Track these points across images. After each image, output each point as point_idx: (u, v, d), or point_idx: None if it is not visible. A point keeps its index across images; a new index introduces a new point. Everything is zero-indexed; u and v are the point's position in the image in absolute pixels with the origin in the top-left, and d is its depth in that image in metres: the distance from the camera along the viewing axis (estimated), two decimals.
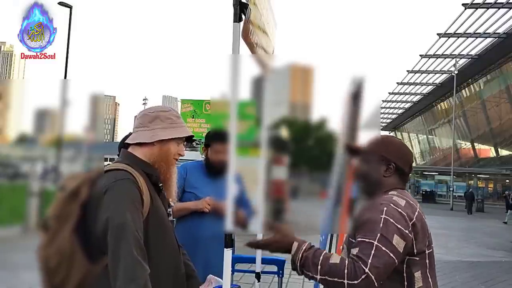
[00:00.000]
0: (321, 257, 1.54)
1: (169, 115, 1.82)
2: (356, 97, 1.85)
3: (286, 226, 1.68)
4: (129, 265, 1.50)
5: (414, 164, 1.90)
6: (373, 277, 1.47)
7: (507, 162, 38.53)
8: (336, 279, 1.49)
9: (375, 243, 1.52)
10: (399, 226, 1.57)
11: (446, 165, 40.06)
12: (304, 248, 1.58)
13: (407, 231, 1.57)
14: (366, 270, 1.47)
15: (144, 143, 1.77)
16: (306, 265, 1.55)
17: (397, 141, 1.88)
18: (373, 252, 1.51)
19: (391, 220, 1.57)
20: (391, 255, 1.52)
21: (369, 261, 1.49)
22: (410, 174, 1.86)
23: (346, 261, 1.52)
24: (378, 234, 1.54)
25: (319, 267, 1.52)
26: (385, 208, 1.60)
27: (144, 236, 1.61)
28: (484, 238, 13.79)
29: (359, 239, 1.57)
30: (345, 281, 1.47)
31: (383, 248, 1.52)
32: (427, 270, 1.65)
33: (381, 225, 1.56)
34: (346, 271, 1.48)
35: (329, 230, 2.22)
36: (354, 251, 1.55)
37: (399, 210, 1.60)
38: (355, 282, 1.46)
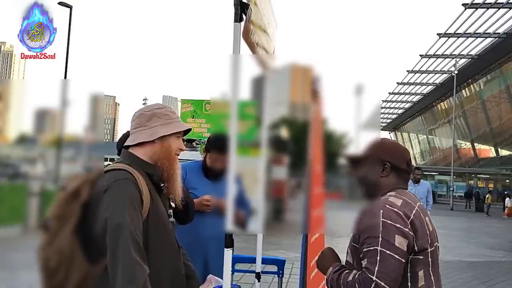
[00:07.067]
0: (342, 276, 1.65)
1: (166, 112, 1.82)
2: (315, 93, 1.92)
3: (332, 252, 1.84)
4: (128, 266, 1.50)
5: (414, 164, 1.91)
6: (382, 283, 1.51)
7: (507, 162, 38.50)
8: None
9: (379, 248, 1.55)
10: (398, 225, 1.58)
11: (446, 165, 40.05)
12: (333, 270, 1.71)
13: (407, 229, 1.59)
14: (374, 278, 1.51)
15: (145, 142, 1.77)
16: (333, 286, 1.68)
17: (389, 141, 1.91)
18: (378, 258, 1.54)
19: (389, 222, 1.58)
20: (397, 257, 1.54)
21: (376, 268, 1.53)
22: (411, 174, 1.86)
23: (356, 275, 1.59)
24: (380, 239, 1.56)
25: (341, 287, 1.63)
26: (381, 211, 1.61)
27: (144, 237, 1.61)
28: (484, 238, 13.79)
29: (364, 249, 1.60)
30: None
31: (388, 252, 1.54)
32: (430, 269, 1.66)
33: (380, 228, 1.58)
34: (357, 285, 1.55)
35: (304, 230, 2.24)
36: (364, 262, 1.59)
37: (395, 210, 1.62)
38: None
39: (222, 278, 1.97)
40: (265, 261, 2.94)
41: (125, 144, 1.83)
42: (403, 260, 1.56)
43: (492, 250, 11.13)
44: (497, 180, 40.36)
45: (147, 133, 1.77)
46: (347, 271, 1.67)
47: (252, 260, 2.86)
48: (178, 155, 1.85)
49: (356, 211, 1.70)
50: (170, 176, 1.81)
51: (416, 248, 1.61)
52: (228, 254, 1.80)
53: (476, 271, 8.20)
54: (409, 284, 1.61)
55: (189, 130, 1.89)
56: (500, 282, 7.31)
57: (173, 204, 1.96)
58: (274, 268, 3.23)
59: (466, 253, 10.33)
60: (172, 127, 1.80)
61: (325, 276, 1.75)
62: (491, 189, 36.27)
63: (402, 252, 1.55)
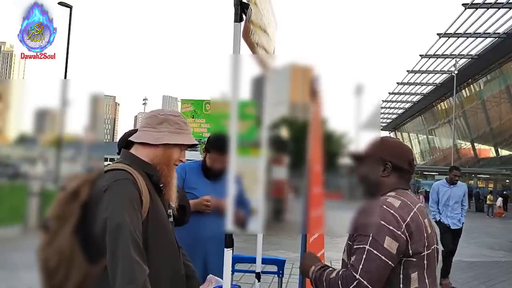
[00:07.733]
0: (325, 275, 1.66)
1: (178, 120, 1.82)
2: (314, 93, 1.92)
3: (313, 255, 1.90)
4: (128, 266, 1.50)
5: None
6: (365, 282, 1.51)
7: (507, 162, 38.48)
8: None
9: (367, 247, 1.56)
10: (390, 227, 1.57)
11: (446, 165, 39.97)
12: (316, 269, 1.73)
13: (399, 232, 1.57)
14: (357, 276, 1.52)
15: (149, 144, 1.77)
16: (316, 285, 1.70)
17: (392, 140, 1.87)
18: (364, 257, 1.55)
19: (382, 222, 1.58)
20: (383, 258, 1.54)
21: (360, 266, 1.54)
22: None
23: (340, 272, 1.61)
24: (370, 238, 1.56)
25: (324, 283, 1.65)
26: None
27: (143, 237, 1.61)
28: (484, 238, 13.78)
29: (355, 246, 1.61)
30: None
31: (374, 252, 1.54)
32: (425, 271, 1.64)
33: (373, 228, 1.58)
34: (340, 282, 1.57)
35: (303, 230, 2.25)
36: (352, 259, 1.60)
37: (391, 211, 1.61)
38: None
39: (222, 278, 1.97)
40: (265, 261, 2.94)
41: (130, 139, 1.83)
42: (389, 262, 1.55)
43: (492, 250, 11.12)
44: (497, 180, 40.33)
45: (153, 136, 1.77)
46: (330, 269, 1.69)
47: (252, 260, 2.86)
48: (176, 165, 1.86)
49: (355, 211, 1.70)
50: (166, 183, 1.82)
51: (410, 251, 1.60)
52: (228, 254, 1.80)
53: (476, 271, 8.19)
54: (401, 285, 1.60)
55: (195, 145, 1.88)
56: (500, 282, 7.30)
57: (172, 204, 1.96)
58: (274, 268, 3.23)
59: (466, 253, 10.32)
60: (179, 138, 1.80)
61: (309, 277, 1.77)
62: (491, 189, 36.27)
63: (389, 254, 1.54)
